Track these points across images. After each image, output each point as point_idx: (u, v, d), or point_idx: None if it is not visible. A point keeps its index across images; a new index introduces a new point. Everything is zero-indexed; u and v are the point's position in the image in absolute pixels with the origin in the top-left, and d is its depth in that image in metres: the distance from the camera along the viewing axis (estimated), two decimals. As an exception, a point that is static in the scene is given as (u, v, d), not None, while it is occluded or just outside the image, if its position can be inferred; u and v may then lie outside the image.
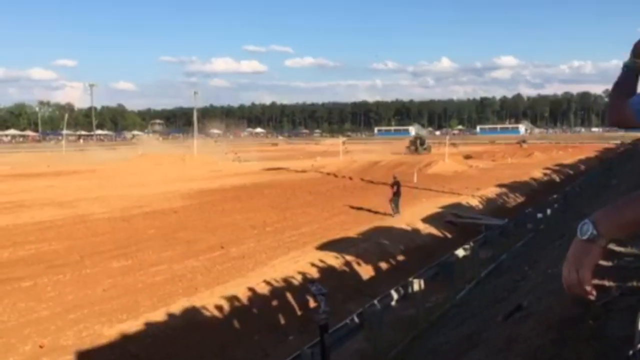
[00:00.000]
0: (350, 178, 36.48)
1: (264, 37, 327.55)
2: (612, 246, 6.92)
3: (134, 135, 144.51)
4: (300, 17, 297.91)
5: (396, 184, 21.46)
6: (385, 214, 21.04)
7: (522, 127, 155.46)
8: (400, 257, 16.50)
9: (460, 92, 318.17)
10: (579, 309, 4.50)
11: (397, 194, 21.32)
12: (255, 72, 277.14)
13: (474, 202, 25.57)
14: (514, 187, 31.11)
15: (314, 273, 13.56)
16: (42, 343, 9.09)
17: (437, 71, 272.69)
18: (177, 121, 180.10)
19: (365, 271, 14.81)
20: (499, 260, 14.69)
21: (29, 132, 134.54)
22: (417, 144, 65.68)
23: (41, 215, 21.54)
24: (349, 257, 14.99)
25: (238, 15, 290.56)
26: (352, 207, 23.17)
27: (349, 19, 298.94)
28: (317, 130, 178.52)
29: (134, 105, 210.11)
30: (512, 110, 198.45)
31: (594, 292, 1.40)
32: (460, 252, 14.02)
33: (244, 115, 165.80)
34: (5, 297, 11.30)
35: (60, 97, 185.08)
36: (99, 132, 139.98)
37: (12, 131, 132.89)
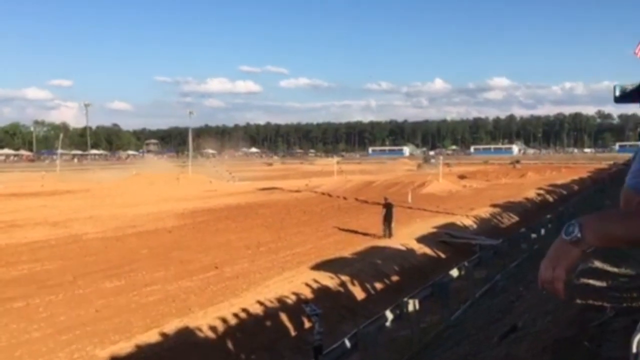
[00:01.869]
0: (345, 198, 36.49)
1: (259, 58, 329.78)
2: (607, 267, 6.94)
3: (128, 155, 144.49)
4: (295, 38, 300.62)
5: (387, 206, 21.34)
6: (381, 235, 20.97)
7: (515, 148, 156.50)
8: (395, 277, 16.45)
9: (453, 112, 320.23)
10: (575, 330, 4.49)
11: (388, 216, 21.16)
12: (250, 93, 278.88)
13: (468, 222, 25.60)
14: (507, 207, 31.19)
15: (308, 293, 13.50)
16: (33, 365, 8.98)
17: (431, 92, 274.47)
18: (172, 141, 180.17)
19: (360, 291, 14.76)
20: (494, 280, 14.64)
21: (23, 152, 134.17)
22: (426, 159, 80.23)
23: (34, 234, 21.41)
24: (343, 277, 14.93)
25: (233, 36, 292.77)
26: (347, 227, 23.13)
27: (343, 40, 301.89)
28: (312, 150, 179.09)
29: (129, 124, 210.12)
30: (505, 130, 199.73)
31: (563, 292, 1.42)
32: (454, 272, 13.99)
33: (238, 136, 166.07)
34: (-3, 318, 11.17)
35: (55, 117, 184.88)
36: (94, 151, 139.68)
37: (6, 150, 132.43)
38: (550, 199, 38.93)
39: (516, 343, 5.62)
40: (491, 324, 8.33)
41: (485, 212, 28.57)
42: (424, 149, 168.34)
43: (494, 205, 30.80)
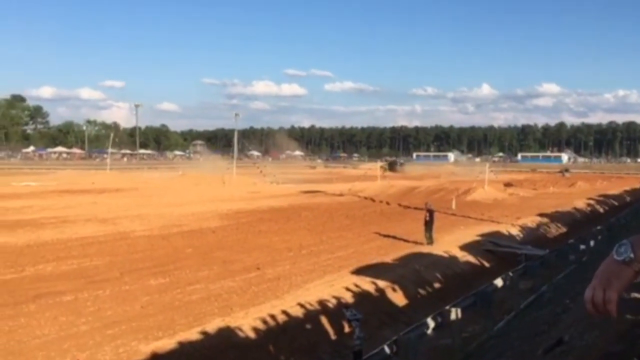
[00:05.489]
0: (388, 203, 36.29)
1: (305, 62, 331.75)
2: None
3: (175, 155, 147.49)
4: (340, 42, 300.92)
5: (429, 212, 21.10)
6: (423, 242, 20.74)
7: (565, 156, 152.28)
8: (437, 285, 16.25)
9: (500, 119, 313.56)
10: (624, 345, 4.35)
11: (430, 222, 20.86)
12: (295, 96, 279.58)
13: (514, 231, 25.07)
14: (555, 216, 30.40)
15: (348, 297, 13.48)
16: (80, 357, 9.25)
17: (478, 97, 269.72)
18: (218, 142, 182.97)
19: (401, 297, 14.64)
20: (540, 291, 14.29)
21: (75, 150, 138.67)
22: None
23: (84, 231, 22.10)
24: (384, 283, 14.84)
25: (279, 40, 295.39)
26: (389, 233, 22.97)
27: (389, 44, 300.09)
28: (355, 154, 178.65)
29: (177, 125, 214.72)
30: (554, 138, 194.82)
31: (615, 314, 1.37)
32: (499, 282, 13.73)
33: (282, 138, 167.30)
34: (47, 311, 11.58)
35: (107, 117, 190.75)
36: (143, 151, 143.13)
37: (59, 148, 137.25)
38: (601, 210, 37.76)
39: (562, 357, 5.48)
40: (536, 336, 8.14)
41: (532, 221, 27.91)
42: (470, 155, 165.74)
43: (542, 215, 30.05)
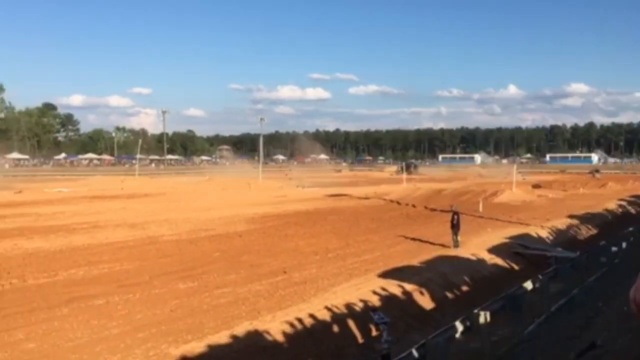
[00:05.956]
0: (414, 206, 36.10)
1: (329, 65, 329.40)
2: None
3: (202, 160, 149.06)
4: (364, 45, 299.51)
5: (455, 215, 20.95)
6: (448, 245, 20.59)
7: (595, 157, 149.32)
8: (465, 288, 16.11)
9: (528, 119, 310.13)
10: (659, 350, 4.26)
11: (456, 226, 20.70)
12: (319, 99, 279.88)
13: (543, 233, 24.70)
14: (586, 218, 29.88)
15: (375, 301, 13.44)
16: (111, 360, 9.41)
17: (504, 98, 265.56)
18: (244, 147, 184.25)
19: (428, 301, 14.55)
20: (571, 294, 14.07)
21: (105, 156, 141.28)
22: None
23: (114, 235, 22.49)
24: (411, 286, 14.77)
25: (304, 44, 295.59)
26: (415, 236, 22.84)
27: (413, 46, 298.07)
28: (381, 157, 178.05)
29: (203, 131, 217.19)
30: (584, 138, 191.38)
31: None
32: (528, 285, 13.56)
33: (307, 142, 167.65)
34: (80, 314, 11.82)
35: (135, 123, 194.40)
36: (170, 156, 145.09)
37: (90, 155, 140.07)
38: (632, 211, 36.98)
39: (594, 361, 5.39)
40: (567, 340, 8.02)
41: (561, 223, 27.47)
42: (497, 157, 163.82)
43: (572, 216, 29.56)
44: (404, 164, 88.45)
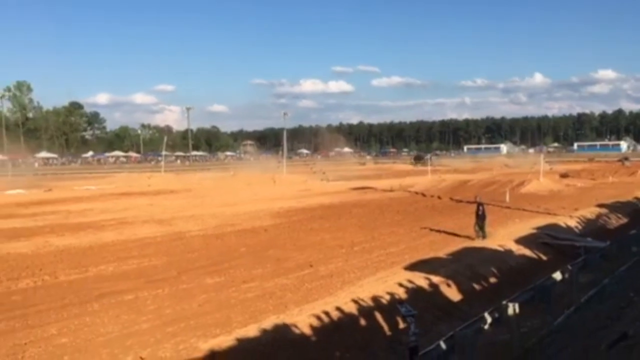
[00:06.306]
0: (439, 197, 35.86)
1: (351, 58, 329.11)
2: None
3: (226, 156, 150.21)
4: (386, 37, 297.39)
5: (479, 206, 20.75)
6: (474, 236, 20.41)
7: (624, 144, 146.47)
8: (493, 279, 15.97)
9: (555, 108, 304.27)
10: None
11: (481, 217, 20.50)
12: (342, 93, 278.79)
13: (572, 222, 24.32)
14: (615, 207, 29.31)
15: (402, 293, 13.41)
16: (142, 354, 9.57)
17: (530, 87, 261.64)
18: (268, 142, 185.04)
19: (455, 293, 14.45)
20: (601, 285, 13.84)
21: (131, 154, 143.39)
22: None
23: (142, 232, 22.81)
24: (438, 278, 14.69)
25: (326, 37, 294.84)
26: (441, 227, 22.69)
27: (436, 37, 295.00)
28: (405, 149, 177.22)
29: (227, 126, 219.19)
30: (612, 126, 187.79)
31: None
32: (557, 276, 13.37)
33: (331, 136, 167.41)
34: (110, 309, 12.04)
35: (159, 120, 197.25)
36: (195, 153, 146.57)
37: (116, 152, 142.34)
38: (665, 199, 36.14)
39: (626, 352, 5.31)
40: (598, 330, 7.90)
41: (590, 212, 27.01)
42: (523, 146, 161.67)
43: (601, 206, 29.04)
44: (414, 156, 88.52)
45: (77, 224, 25.09)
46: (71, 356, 9.49)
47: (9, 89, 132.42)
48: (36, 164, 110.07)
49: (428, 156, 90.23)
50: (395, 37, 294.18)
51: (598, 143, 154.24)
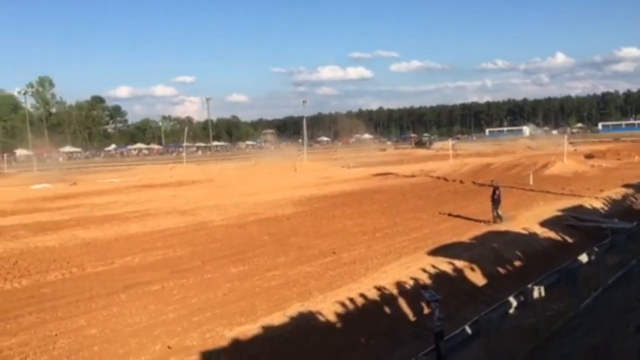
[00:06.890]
0: (461, 182, 35.58)
1: (370, 43, 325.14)
2: None
3: (247, 145, 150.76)
4: (404, 19, 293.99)
5: (495, 189, 20.55)
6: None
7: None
8: (517, 263, 15.84)
9: (578, 88, 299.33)
10: None
11: (496, 201, 20.35)
12: (361, 79, 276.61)
13: (597, 204, 23.97)
14: (643, 187, 28.77)
15: (425, 279, 13.39)
16: (170, 343, 9.72)
17: (552, 67, 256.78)
18: (287, 130, 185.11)
19: (480, 277, 14.38)
20: (629, 266, 13.63)
21: (153, 146, 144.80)
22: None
23: (166, 223, 23.04)
24: (462, 263, 14.63)
25: (343, 23, 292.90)
26: (464, 212, 22.54)
27: (454, 19, 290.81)
28: (426, 134, 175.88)
29: (247, 116, 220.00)
30: (638, 105, 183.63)
31: None
32: (583, 258, 13.21)
33: (351, 122, 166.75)
34: (137, 300, 12.22)
35: (180, 112, 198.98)
36: (216, 143, 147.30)
37: (138, 145, 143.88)
38: (694, 178, 35.38)
39: (656, 334, 5.22)
40: (626, 313, 7.79)
41: (616, 193, 26.58)
42: (546, 128, 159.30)
43: (627, 186, 28.57)
44: (416, 140, 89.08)
45: (102, 217, 25.45)
46: (100, 346, 9.67)
47: (31, 85, 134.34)
48: (60, 159, 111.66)
49: (427, 139, 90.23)
50: (413, 21, 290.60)
51: (623, 122, 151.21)
